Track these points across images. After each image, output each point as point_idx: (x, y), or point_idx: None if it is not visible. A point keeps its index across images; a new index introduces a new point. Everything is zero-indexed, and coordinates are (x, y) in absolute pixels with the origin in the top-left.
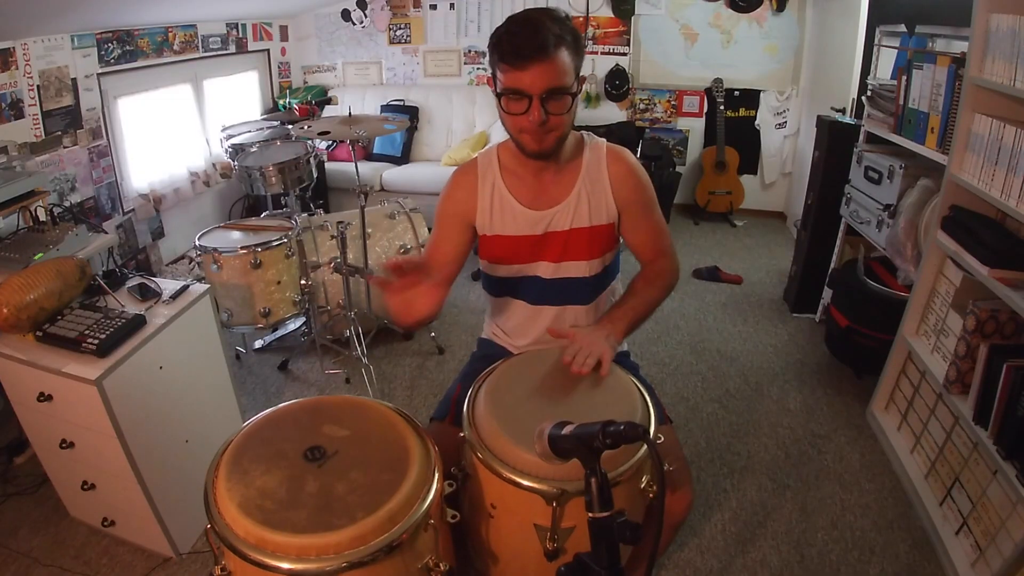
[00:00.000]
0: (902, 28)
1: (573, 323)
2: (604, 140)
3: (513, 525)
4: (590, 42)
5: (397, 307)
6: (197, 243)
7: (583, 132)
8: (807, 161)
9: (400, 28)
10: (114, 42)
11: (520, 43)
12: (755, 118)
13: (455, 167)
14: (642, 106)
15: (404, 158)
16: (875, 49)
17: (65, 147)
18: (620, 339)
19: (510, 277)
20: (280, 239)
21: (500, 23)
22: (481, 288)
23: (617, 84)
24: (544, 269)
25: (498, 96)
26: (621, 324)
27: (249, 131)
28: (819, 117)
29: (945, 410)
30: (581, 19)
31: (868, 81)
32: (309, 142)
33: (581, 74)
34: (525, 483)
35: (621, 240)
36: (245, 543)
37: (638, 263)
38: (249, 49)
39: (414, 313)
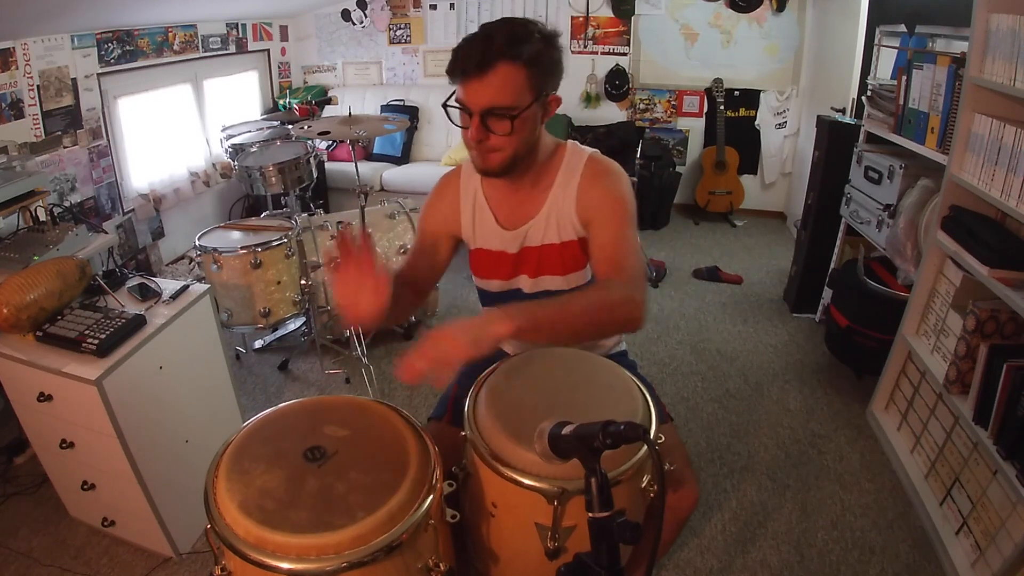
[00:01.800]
0: (902, 28)
1: None
2: (590, 151)
3: (514, 524)
4: (590, 42)
5: (343, 300)
6: (197, 243)
7: (569, 142)
8: (807, 161)
9: (400, 28)
10: (114, 42)
11: (460, 56)
12: (755, 118)
13: (456, 166)
14: (642, 106)
15: (404, 158)
16: (875, 49)
17: (65, 147)
18: (505, 333)
19: (497, 291)
20: (280, 239)
21: None
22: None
23: (617, 84)
24: (524, 283)
25: (445, 107)
26: (520, 319)
27: (249, 131)
28: (819, 117)
29: (945, 410)
30: (581, 19)
31: (868, 81)
32: (309, 142)
33: (554, 93)
34: (526, 482)
35: None
36: (245, 543)
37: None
38: (249, 49)
39: (358, 312)
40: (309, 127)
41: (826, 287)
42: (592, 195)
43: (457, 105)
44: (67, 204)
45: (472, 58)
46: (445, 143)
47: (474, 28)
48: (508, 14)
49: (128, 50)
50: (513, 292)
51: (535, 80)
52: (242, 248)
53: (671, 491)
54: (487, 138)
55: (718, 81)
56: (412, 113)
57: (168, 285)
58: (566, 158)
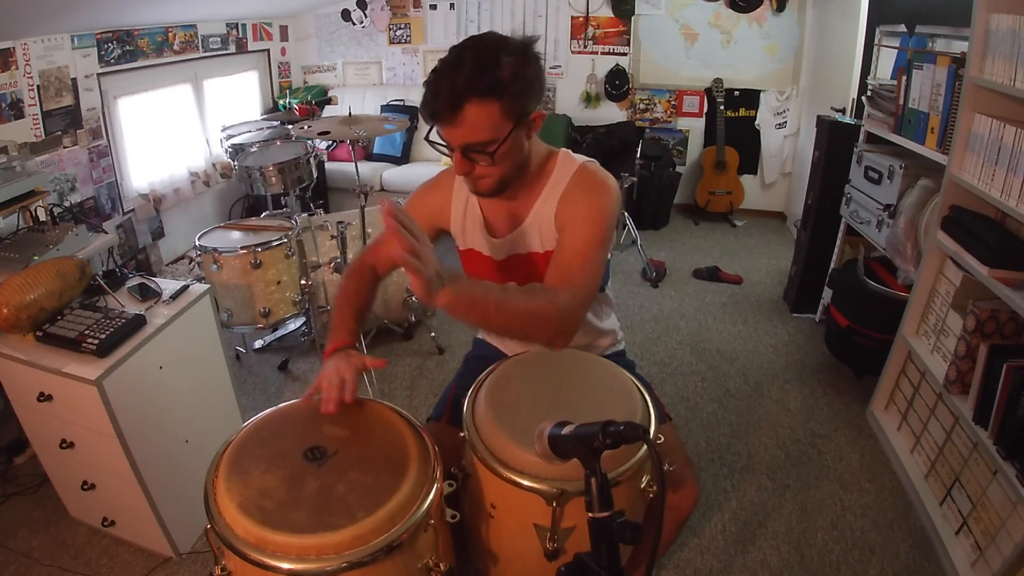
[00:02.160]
0: (902, 28)
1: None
2: (582, 161)
3: (513, 525)
4: (590, 42)
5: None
6: (197, 243)
7: (562, 151)
8: (807, 161)
9: (400, 28)
10: (114, 42)
11: (429, 98)
12: (755, 118)
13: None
14: (642, 106)
15: (404, 158)
16: (875, 49)
17: (65, 147)
18: (446, 297)
19: None
20: (280, 239)
21: (499, 20)
22: None
23: (617, 84)
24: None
25: (428, 139)
26: (458, 296)
27: (249, 131)
28: (819, 117)
29: (945, 410)
30: (581, 19)
31: (868, 81)
32: (309, 142)
33: (537, 110)
34: (525, 483)
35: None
36: (245, 543)
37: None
38: (249, 49)
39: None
40: (309, 127)
41: (826, 287)
42: (570, 204)
43: (438, 141)
44: (67, 204)
45: (439, 100)
46: None
47: (474, 28)
48: (508, 15)
49: (128, 50)
50: None
51: (511, 108)
52: (242, 248)
53: (671, 491)
54: (473, 169)
55: (718, 81)
56: (412, 113)
57: (168, 285)
58: (556, 167)
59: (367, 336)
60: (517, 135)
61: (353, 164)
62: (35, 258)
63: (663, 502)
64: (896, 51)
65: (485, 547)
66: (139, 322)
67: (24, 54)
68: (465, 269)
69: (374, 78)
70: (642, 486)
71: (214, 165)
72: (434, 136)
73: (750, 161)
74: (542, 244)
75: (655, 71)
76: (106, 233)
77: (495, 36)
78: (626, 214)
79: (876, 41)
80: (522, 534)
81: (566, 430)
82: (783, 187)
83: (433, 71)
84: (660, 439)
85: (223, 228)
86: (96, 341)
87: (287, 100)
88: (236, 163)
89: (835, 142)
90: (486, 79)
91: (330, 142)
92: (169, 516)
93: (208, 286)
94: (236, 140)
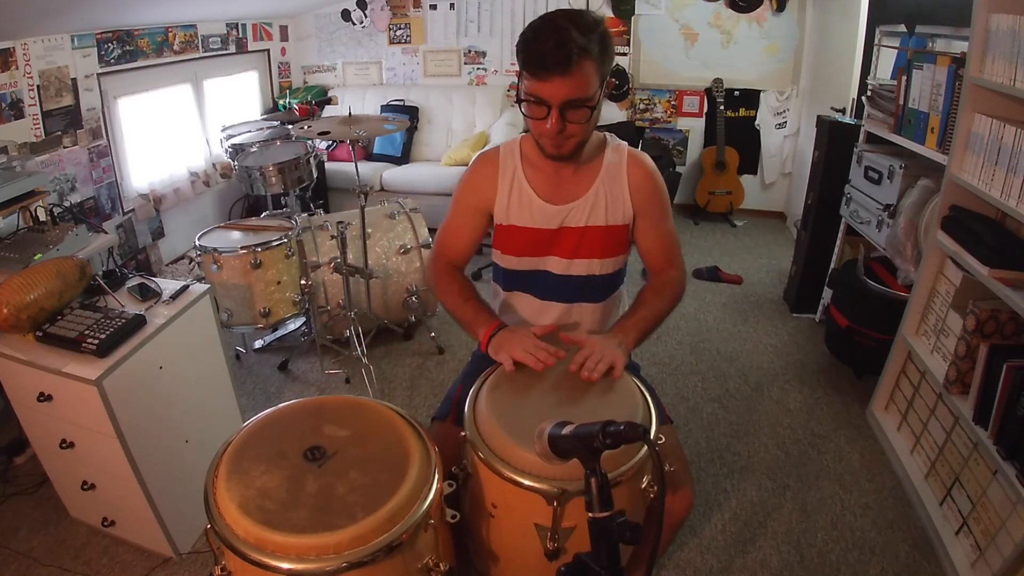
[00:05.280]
0: (902, 28)
1: (579, 321)
2: (626, 144)
3: (513, 525)
4: None
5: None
6: (197, 243)
7: (606, 133)
8: (807, 161)
9: (400, 28)
10: (114, 42)
11: (542, 54)
12: (755, 118)
13: (457, 166)
14: (642, 106)
15: (404, 158)
16: (875, 49)
17: (65, 147)
18: (631, 347)
19: (521, 270)
20: (280, 239)
21: (499, 20)
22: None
23: (617, 84)
24: (555, 264)
25: (519, 100)
26: (632, 334)
27: (249, 131)
28: (819, 117)
29: (945, 410)
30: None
31: (868, 81)
32: (309, 142)
33: (609, 78)
34: (526, 483)
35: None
36: (245, 543)
37: (646, 270)
38: (249, 49)
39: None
40: (309, 127)
41: (826, 287)
42: (646, 188)
43: (532, 99)
44: (67, 204)
45: (555, 56)
46: (445, 143)
47: (474, 28)
48: (508, 15)
49: (128, 50)
50: (540, 274)
51: (603, 69)
52: (242, 248)
53: (667, 493)
54: (565, 127)
55: (718, 81)
56: (412, 113)
57: (168, 285)
58: (609, 144)
59: (367, 336)
60: (601, 95)
61: (353, 164)
62: (35, 258)
63: (663, 502)
64: (896, 51)
65: (485, 547)
66: (139, 322)
67: (24, 54)
68: (501, 246)
69: (374, 78)
70: (643, 487)
71: (214, 165)
72: (527, 100)
73: (750, 161)
74: (607, 218)
75: (655, 71)
76: (106, 233)
77: (574, 8)
78: None
79: (876, 41)
80: (523, 534)
81: (566, 430)
82: (783, 187)
83: (533, 30)
84: (661, 440)
85: (223, 228)
86: (96, 341)
87: (287, 100)
88: (236, 163)
89: (835, 142)
90: (589, 36)
91: (330, 142)
92: (169, 516)
93: (208, 286)
94: (236, 140)
